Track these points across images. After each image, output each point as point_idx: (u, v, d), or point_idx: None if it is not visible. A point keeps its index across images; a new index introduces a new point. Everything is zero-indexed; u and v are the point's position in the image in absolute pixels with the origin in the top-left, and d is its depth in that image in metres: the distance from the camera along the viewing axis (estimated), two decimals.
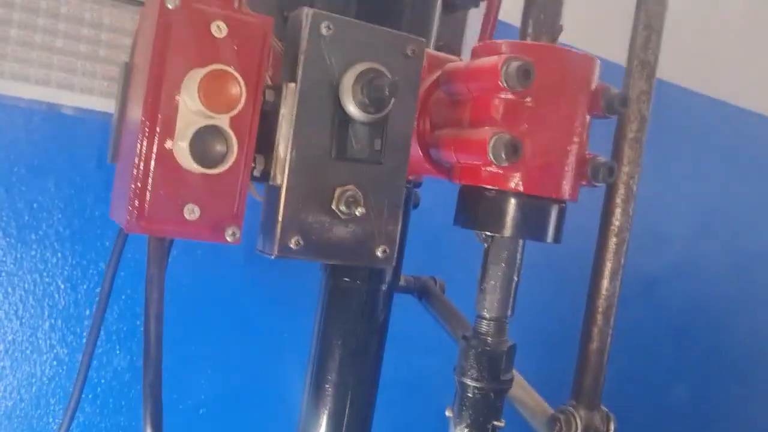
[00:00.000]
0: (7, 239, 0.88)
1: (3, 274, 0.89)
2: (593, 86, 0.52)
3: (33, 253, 0.90)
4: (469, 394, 0.52)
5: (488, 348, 0.52)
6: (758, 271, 1.89)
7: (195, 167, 0.43)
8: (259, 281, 1.05)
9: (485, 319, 0.53)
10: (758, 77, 1.79)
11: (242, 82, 0.43)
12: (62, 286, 0.92)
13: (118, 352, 0.96)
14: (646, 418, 1.62)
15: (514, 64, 0.47)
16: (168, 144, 0.43)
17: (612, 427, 0.59)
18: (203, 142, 0.43)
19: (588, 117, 0.52)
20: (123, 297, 0.95)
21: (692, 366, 1.77)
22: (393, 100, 0.48)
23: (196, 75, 0.42)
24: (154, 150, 0.43)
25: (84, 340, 0.93)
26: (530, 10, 0.52)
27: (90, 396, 0.94)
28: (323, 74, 0.48)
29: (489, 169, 0.50)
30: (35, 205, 0.89)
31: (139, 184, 0.43)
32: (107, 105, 0.91)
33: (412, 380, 1.16)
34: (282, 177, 0.47)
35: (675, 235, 1.68)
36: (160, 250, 0.48)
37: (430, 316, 0.80)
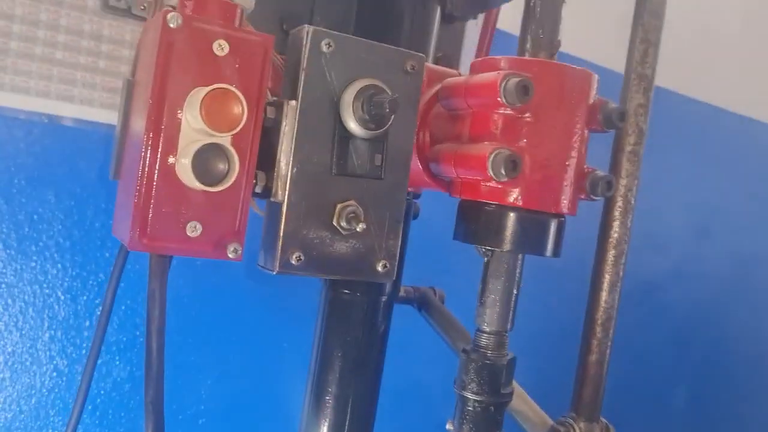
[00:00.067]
0: (8, 251, 0.88)
1: (3, 285, 0.89)
2: (591, 101, 0.52)
3: (33, 264, 0.90)
4: (470, 408, 0.52)
5: (488, 362, 0.52)
6: (757, 276, 1.90)
7: (197, 185, 0.43)
8: (259, 290, 1.05)
9: (485, 332, 0.53)
10: (755, 84, 1.80)
11: (244, 101, 0.43)
12: (62, 298, 0.92)
13: (117, 362, 0.96)
14: (646, 424, 1.63)
15: (513, 81, 0.47)
16: (170, 162, 0.43)
17: None
18: (205, 160, 0.43)
19: (586, 131, 0.52)
20: (123, 308, 0.95)
21: (692, 371, 1.77)
22: (393, 117, 0.49)
23: (199, 94, 0.43)
24: (157, 168, 0.43)
25: (84, 352, 0.94)
26: (528, 26, 0.53)
27: (90, 407, 0.94)
28: (324, 91, 0.48)
29: (488, 184, 0.50)
30: (35, 217, 0.90)
31: (141, 202, 0.43)
32: (107, 116, 0.91)
33: (412, 391, 1.16)
34: (283, 193, 0.47)
35: (673, 240, 1.68)
36: (161, 265, 0.48)
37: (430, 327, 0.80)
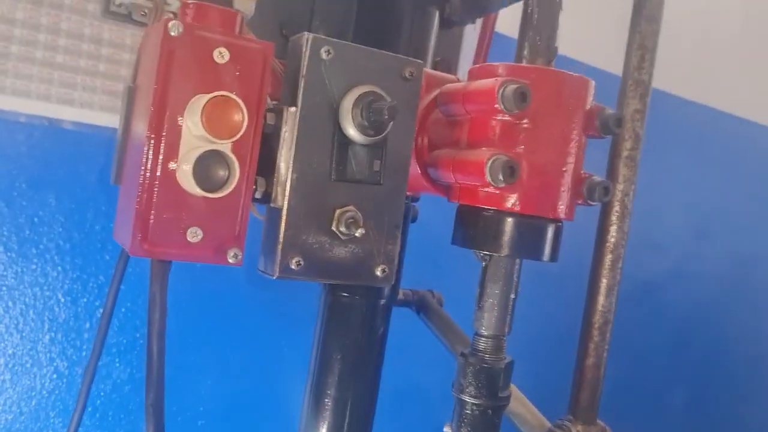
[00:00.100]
0: (8, 253, 0.89)
1: (4, 288, 0.89)
2: (588, 107, 0.53)
3: (34, 266, 0.90)
4: (468, 411, 0.53)
5: (486, 365, 0.52)
6: (756, 276, 1.90)
7: (198, 191, 0.44)
8: (259, 292, 1.06)
9: (483, 336, 0.53)
10: (754, 86, 1.81)
11: (244, 109, 0.44)
12: (62, 300, 0.92)
13: (117, 364, 0.97)
14: (645, 425, 1.63)
15: (511, 87, 0.48)
16: (171, 168, 0.44)
17: None
18: (206, 166, 0.43)
19: (584, 137, 0.53)
20: (122, 310, 0.96)
21: (691, 371, 1.78)
22: (392, 123, 0.49)
23: (200, 101, 0.43)
24: (158, 174, 0.44)
25: (84, 354, 0.94)
26: (526, 33, 0.53)
27: (90, 409, 0.95)
28: (323, 97, 0.48)
29: (486, 189, 0.50)
30: (36, 219, 0.90)
31: (142, 208, 0.44)
32: (107, 119, 0.92)
33: (411, 394, 1.17)
34: (283, 199, 0.48)
35: (673, 241, 1.69)
36: (161, 269, 0.49)
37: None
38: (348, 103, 0.48)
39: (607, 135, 0.53)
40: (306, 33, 0.48)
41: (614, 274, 0.60)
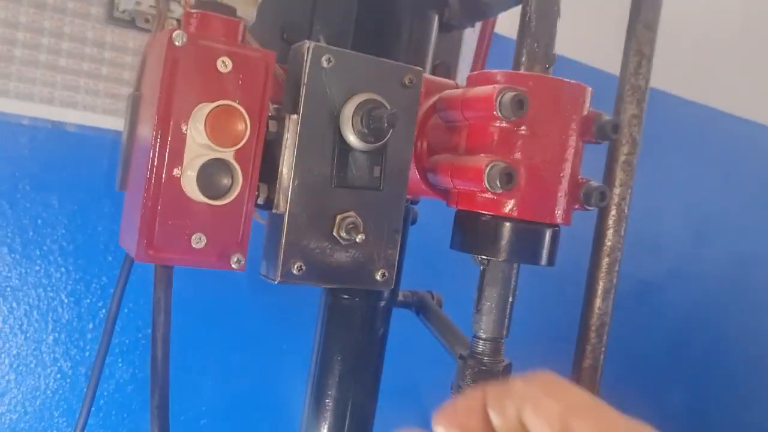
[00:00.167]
0: (12, 255, 0.90)
1: (8, 289, 0.90)
2: (585, 113, 0.53)
3: (37, 268, 0.91)
4: None
5: (484, 368, 0.53)
6: (755, 277, 1.91)
7: (202, 198, 0.44)
8: (260, 292, 1.07)
9: (481, 339, 0.54)
10: (754, 86, 1.82)
11: (247, 118, 0.45)
12: (66, 301, 0.93)
13: (120, 364, 0.98)
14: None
15: (509, 95, 0.49)
16: (176, 175, 0.45)
17: None
18: (210, 174, 0.44)
19: (581, 143, 0.54)
20: (125, 311, 0.96)
21: (689, 372, 1.79)
22: (392, 130, 0.50)
23: (203, 109, 0.44)
24: (163, 182, 0.44)
25: (87, 354, 0.95)
26: (524, 39, 0.54)
27: (93, 408, 0.96)
28: (324, 105, 0.49)
29: (484, 195, 0.51)
30: (39, 221, 0.91)
31: (147, 215, 0.44)
32: (110, 122, 0.93)
33: (410, 394, 1.18)
34: (285, 205, 0.49)
35: (672, 241, 1.70)
36: (166, 274, 0.50)
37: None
38: (348, 110, 0.49)
39: (605, 141, 0.54)
40: (307, 41, 0.49)
41: (611, 277, 0.60)
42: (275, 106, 0.52)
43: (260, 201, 0.50)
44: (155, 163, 0.44)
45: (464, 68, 0.88)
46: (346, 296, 0.68)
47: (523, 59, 0.54)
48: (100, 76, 0.92)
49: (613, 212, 0.60)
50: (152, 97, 0.46)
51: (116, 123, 0.93)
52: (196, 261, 0.46)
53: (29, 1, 0.87)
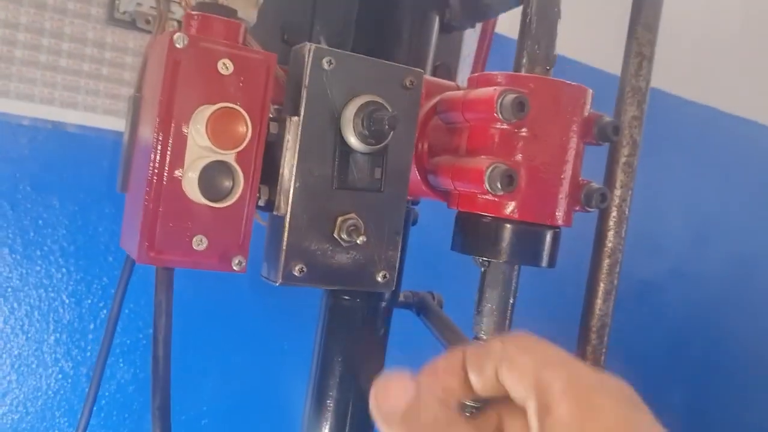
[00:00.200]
0: (13, 255, 0.90)
1: (9, 289, 0.90)
2: (586, 114, 0.53)
3: (38, 268, 0.91)
4: (467, 414, 0.54)
5: None
6: (755, 278, 1.91)
7: (203, 201, 0.44)
8: (260, 292, 1.07)
9: (482, 340, 0.54)
10: (755, 85, 1.82)
11: (248, 120, 0.45)
12: (67, 301, 0.93)
13: (121, 364, 0.98)
14: None
15: (509, 97, 0.49)
16: (177, 178, 0.45)
17: None
18: (211, 177, 0.44)
19: (582, 145, 0.54)
20: (126, 311, 0.97)
21: (689, 373, 1.79)
22: (392, 132, 0.50)
23: (204, 112, 0.44)
24: (164, 184, 0.45)
25: (88, 354, 0.95)
26: (524, 41, 0.54)
27: (94, 408, 0.96)
28: (325, 107, 0.49)
29: (485, 197, 0.51)
30: (40, 222, 0.91)
31: (149, 217, 0.44)
32: (110, 122, 0.93)
33: None
34: (286, 207, 0.49)
35: (671, 242, 1.70)
36: (167, 276, 0.50)
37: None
38: (349, 112, 0.49)
39: (605, 142, 0.54)
40: (308, 43, 0.49)
41: (612, 279, 0.60)
42: (276, 107, 0.52)
43: (261, 203, 0.50)
44: (156, 165, 0.44)
45: (465, 69, 0.88)
46: (346, 297, 0.68)
47: (524, 61, 0.54)
48: (100, 76, 0.92)
49: (614, 214, 0.61)
50: (153, 99, 0.46)
51: (116, 123, 0.93)
52: (198, 263, 0.46)
53: (30, 1, 0.87)
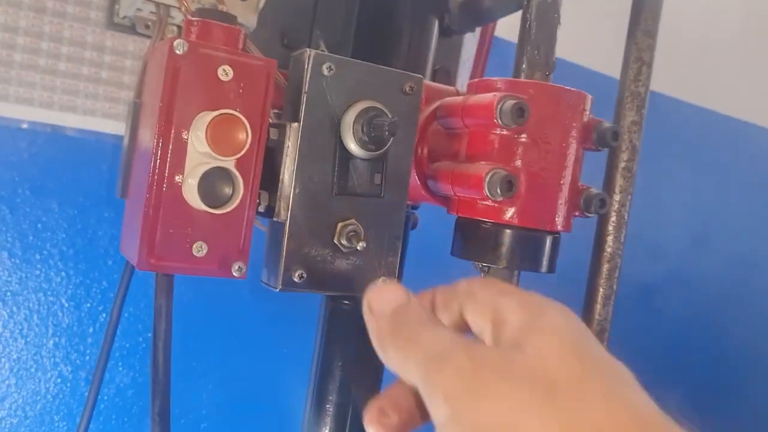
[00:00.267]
0: (12, 259, 0.90)
1: (8, 293, 0.90)
2: (585, 120, 0.53)
3: (37, 272, 0.91)
4: None
5: None
6: (754, 281, 1.91)
7: (203, 207, 0.44)
8: (260, 298, 1.07)
9: None
10: (753, 87, 1.82)
11: (248, 126, 0.45)
12: (66, 305, 0.93)
13: (120, 368, 0.98)
14: None
15: (509, 103, 0.49)
16: (177, 184, 0.45)
17: None
18: (211, 183, 0.44)
19: (581, 150, 0.54)
20: (126, 315, 0.96)
21: (689, 376, 1.79)
22: (392, 138, 0.50)
23: (204, 118, 0.44)
24: (164, 190, 0.44)
25: (87, 358, 0.95)
26: (524, 47, 0.54)
27: (93, 413, 0.96)
28: (325, 113, 0.49)
29: (485, 202, 0.51)
30: (39, 225, 0.91)
31: (149, 224, 0.44)
32: (110, 126, 0.93)
33: None
34: (286, 213, 0.49)
35: (670, 245, 1.70)
36: (167, 281, 0.50)
37: None
38: (349, 118, 0.49)
39: (605, 148, 0.54)
40: (308, 49, 0.49)
41: (611, 284, 0.61)
42: (276, 111, 0.52)
43: (261, 209, 0.50)
44: (156, 172, 0.44)
45: (464, 73, 0.88)
46: (346, 302, 0.68)
47: (524, 66, 0.54)
48: (99, 80, 0.92)
49: (613, 218, 0.61)
50: (153, 106, 0.46)
51: (116, 127, 0.92)
52: (198, 269, 0.46)
53: (29, 5, 0.87)
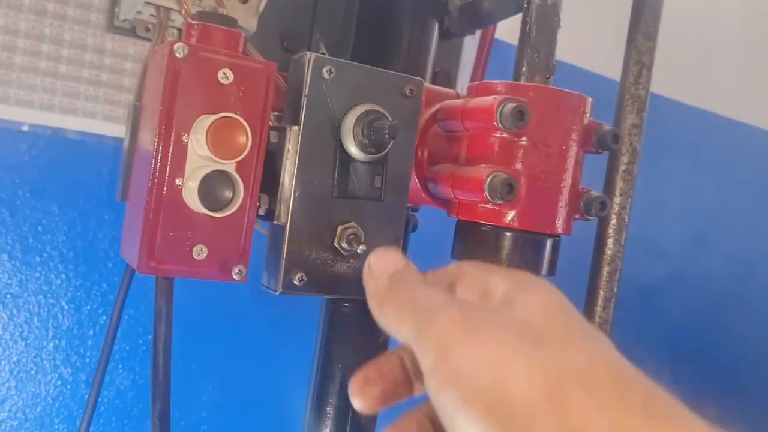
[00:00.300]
0: (12, 262, 0.90)
1: (8, 296, 0.90)
2: (586, 122, 0.53)
3: (37, 275, 0.91)
4: None
5: None
6: (755, 282, 1.91)
7: (203, 210, 0.44)
8: (261, 300, 1.07)
9: None
10: (753, 89, 1.82)
11: (248, 130, 0.45)
12: (66, 307, 0.93)
13: (120, 371, 0.98)
14: None
15: (509, 106, 0.49)
16: (177, 187, 0.45)
17: None
18: (211, 186, 0.44)
19: (581, 153, 0.54)
20: (126, 317, 0.96)
21: (689, 377, 1.78)
22: (392, 141, 0.50)
23: (204, 121, 0.44)
24: (164, 194, 0.44)
25: (87, 360, 0.95)
26: (524, 50, 0.54)
27: (94, 415, 0.96)
28: (325, 116, 0.49)
29: (485, 205, 0.51)
30: (39, 228, 0.91)
31: (149, 227, 0.44)
32: (110, 129, 0.93)
33: (411, 401, 1.18)
34: (286, 216, 0.49)
35: (670, 246, 1.70)
36: (166, 285, 0.50)
37: None
38: (349, 121, 0.49)
39: (605, 151, 0.54)
40: (308, 52, 0.49)
41: (611, 286, 0.61)
42: (276, 113, 0.52)
43: (261, 212, 0.50)
44: (156, 175, 0.44)
45: (464, 75, 0.88)
46: (347, 304, 0.68)
47: (524, 69, 0.54)
48: (100, 82, 0.92)
49: (614, 221, 0.61)
50: (153, 109, 0.46)
51: (116, 129, 0.93)
52: (198, 272, 0.46)
53: (29, 8, 0.87)
